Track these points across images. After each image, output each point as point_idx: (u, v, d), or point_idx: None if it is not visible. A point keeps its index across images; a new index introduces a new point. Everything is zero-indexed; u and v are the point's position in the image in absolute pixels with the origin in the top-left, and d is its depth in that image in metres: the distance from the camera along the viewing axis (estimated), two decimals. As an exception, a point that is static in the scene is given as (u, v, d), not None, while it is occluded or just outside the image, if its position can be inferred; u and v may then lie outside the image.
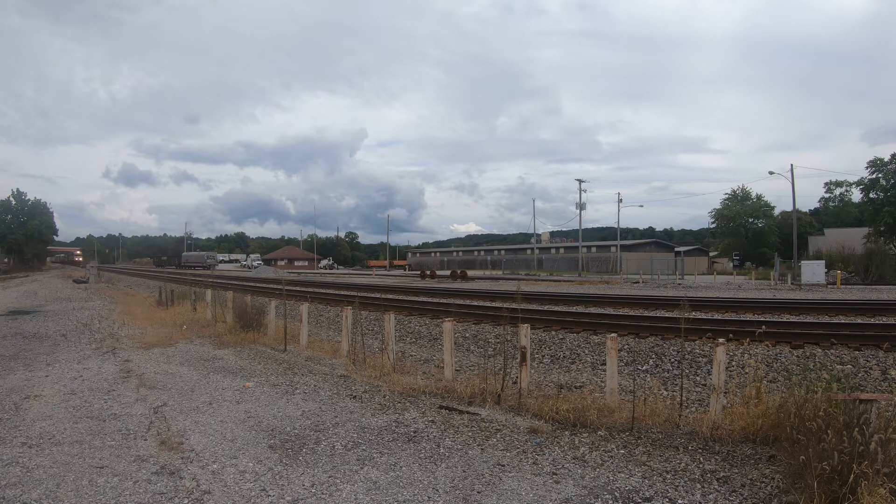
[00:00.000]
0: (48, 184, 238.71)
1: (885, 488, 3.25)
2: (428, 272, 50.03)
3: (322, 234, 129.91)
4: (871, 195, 46.10)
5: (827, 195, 69.61)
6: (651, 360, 9.04)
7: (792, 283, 32.22)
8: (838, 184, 66.82)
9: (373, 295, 21.67)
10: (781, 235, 63.78)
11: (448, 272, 51.49)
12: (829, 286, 29.66)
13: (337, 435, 5.17)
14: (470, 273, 51.20)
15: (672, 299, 17.84)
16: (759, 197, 68.11)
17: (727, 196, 68.82)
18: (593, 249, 75.15)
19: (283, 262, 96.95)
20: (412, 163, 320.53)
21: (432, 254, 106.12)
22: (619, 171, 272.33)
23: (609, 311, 15.73)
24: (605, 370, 6.56)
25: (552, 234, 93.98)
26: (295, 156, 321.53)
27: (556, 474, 4.23)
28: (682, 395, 5.87)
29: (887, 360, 8.13)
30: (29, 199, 70.47)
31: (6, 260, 64.50)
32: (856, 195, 55.81)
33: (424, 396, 6.60)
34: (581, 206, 58.04)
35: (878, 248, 39.56)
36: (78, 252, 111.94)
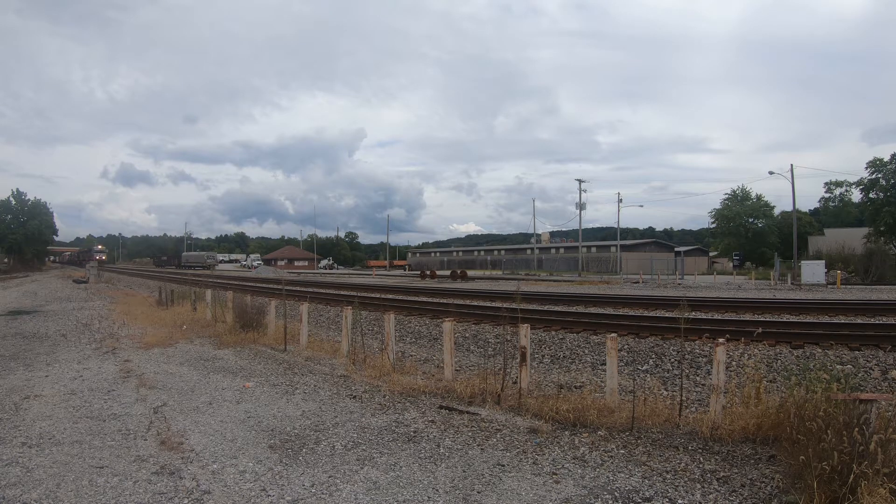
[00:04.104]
0: (47, 184, 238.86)
1: (885, 488, 3.25)
2: (428, 272, 50.03)
3: (322, 234, 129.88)
4: (870, 195, 46.09)
5: (827, 195, 69.83)
6: (651, 360, 9.04)
7: (792, 283, 32.22)
8: (838, 184, 66.97)
9: (373, 295, 21.67)
10: (781, 235, 63.80)
11: (448, 272, 51.48)
12: (829, 286, 29.66)
13: (337, 435, 5.17)
14: (470, 273, 51.21)
15: (672, 299, 17.84)
16: (758, 197, 68.21)
17: (727, 196, 68.93)
18: (593, 249, 75.11)
19: (282, 262, 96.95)
20: (411, 163, 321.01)
21: (432, 254, 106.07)
22: (618, 171, 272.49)
23: (609, 311, 15.73)
24: (605, 370, 6.56)
25: (552, 234, 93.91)
26: (293, 156, 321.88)
27: (556, 474, 4.23)
28: (682, 395, 5.87)
29: (887, 360, 8.13)
30: (29, 199, 70.47)
31: (6, 260, 64.45)
32: (856, 195, 55.92)
33: (424, 396, 6.60)
34: (581, 206, 58.08)
35: (878, 248, 39.59)
36: (100, 248, 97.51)
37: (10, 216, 67.99)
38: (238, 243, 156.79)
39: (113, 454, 4.67)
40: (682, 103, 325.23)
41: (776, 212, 69.00)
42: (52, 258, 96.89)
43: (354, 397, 6.62)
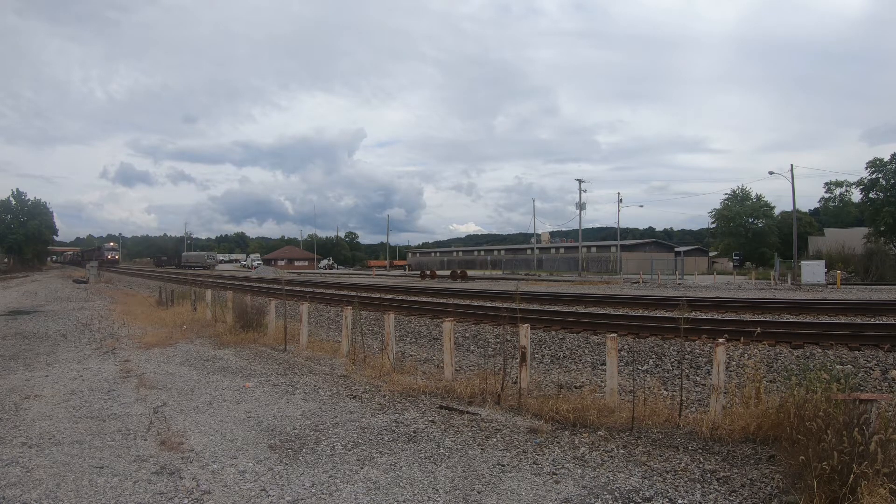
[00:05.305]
0: (47, 184, 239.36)
1: (885, 488, 3.25)
2: (428, 272, 50.02)
3: (322, 234, 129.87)
4: (870, 195, 46.12)
5: (827, 195, 69.74)
6: (651, 360, 9.03)
7: (792, 283, 32.21)
8: (838, 184, 66.93)
9: (373, 295, 21.66)
10: (781, 235, 63.78)
11: (448, 272, 51.48)
12: (829, 286, 29.65)
13: (337, 435, 5.17)
14: (470, 273, 51.20)
15: (672, 299, 17.83)
16: (758, 197, 68.18)
17: (727, 196, 68.89)
18: (593, 249, 75.11)
19: (282, 262, 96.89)
20: (410, 163, 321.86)
21: (432, 254, 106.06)
22: (618, 171, 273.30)
23: (609, 311, 15.72)
24: (605, 370, 6.56)
25: (552, 234, 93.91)
26: (293, 156, 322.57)
27: (556, 474, 4.23)
28: (682, 395, 5.87)
29: (887, 360, 8.13)
30: (29, 199, 70.51)
31: (6, 260, 64.40)
32: (856, 195, 55.92)
33: (424, 396, 6.60)
34: (581, 206, 58.04)
35: (878, 248, 39.56)
36: (111, 245, 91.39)
37: (10, 216, 68.02)
38: (238, 243, 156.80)
39: (113, 454, 4.67)
40: (681, 103, 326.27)
41: (776, 212, 69.05)
42: (53, 258, 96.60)
43: (354, 397, 6.62)
